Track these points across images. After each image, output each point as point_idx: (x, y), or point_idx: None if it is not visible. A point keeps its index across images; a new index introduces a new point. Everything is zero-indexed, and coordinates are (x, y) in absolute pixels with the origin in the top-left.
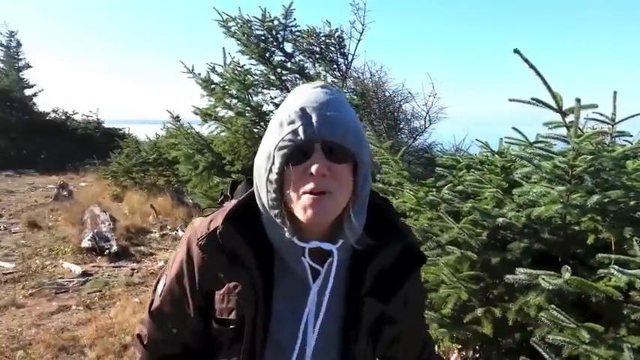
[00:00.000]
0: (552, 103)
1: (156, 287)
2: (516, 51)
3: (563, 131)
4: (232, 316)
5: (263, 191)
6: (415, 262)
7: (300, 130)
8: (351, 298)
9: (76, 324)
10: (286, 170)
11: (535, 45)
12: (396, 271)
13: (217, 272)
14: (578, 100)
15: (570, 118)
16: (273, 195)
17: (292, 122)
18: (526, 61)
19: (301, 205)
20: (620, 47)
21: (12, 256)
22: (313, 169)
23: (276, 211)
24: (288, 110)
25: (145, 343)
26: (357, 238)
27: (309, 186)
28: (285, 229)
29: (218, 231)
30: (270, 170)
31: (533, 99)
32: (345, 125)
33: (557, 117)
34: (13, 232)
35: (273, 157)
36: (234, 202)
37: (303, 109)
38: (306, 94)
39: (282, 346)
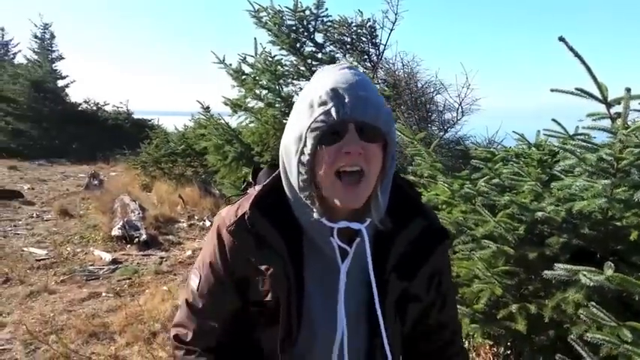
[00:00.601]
0: (597, 93)
1: (189, 284)
2: (561, 39)
3: (606, 123)
4: (269, 297)
5: (294, 173)
6: (437, 239)
7: (333, 111)
8: (376, 277)
9: (106, 311)
10: (319, 151)
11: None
12: (419, 248)
13: (249, 256)
14: (628, 90)
15: (615, 109)
16: (305, 177)
17: (324, 103)
18: (571, 49)
19: (337, 191)
20: None
21: (44, 243)
22: (349, 148)
23: (307, 193)
24: (319, 91)
25: (187, 340)
26: (380, 217)
27: (344, 165)
28: (315, 209)
29: (246, 216)
30: (302, 152)
31: (577, 89)
32: (376, 105)
33: (601, 108)
34: (46, 220)
35: (305, 138)
36: (258, 187)
37: (334, 90)
38: (333, 75)
39: (315, 326)
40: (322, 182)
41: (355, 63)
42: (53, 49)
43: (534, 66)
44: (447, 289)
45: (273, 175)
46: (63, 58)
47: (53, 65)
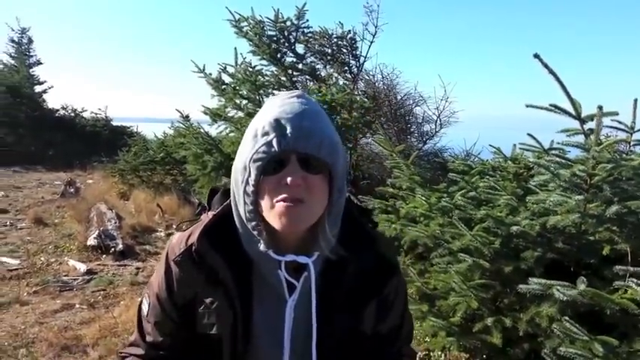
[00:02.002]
0: (570, 109)
1: (140, 307)
2: (536, 56)
3: (580, 139)
4: (214, 330)
5: (240, 203)
6: (389, 272)
7: (275, 142)
8: (322, 312)
9: (80, 323)
10: (262, 181)
11: (552, 47)
12: (370, 281)
13: (195, 288)
14: (600, 108)
15: (589, 125)
16: (250, 207)
17: (266, 134)
18: (546, 66)
19: (276, 213)
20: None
21: (17, 253)
22: (288, 179)
23: (253, 223)
24: (262, 121)
25: (137, 354)
26: (330, 248)
27: (284, 195)
28: (262, 240)
29: (194, 248)
30: (247, 182)
31: (551, 105)
32: (319, 136)
33: (574, 124)
34: (20, 228)
35: (249, 168)
36: (211, 214)
37: (277, 120)
38: (280, 105)
39: None
40: (263, 212)
41: (336, 74)
42: (31, 54)
43: (516, 73)
44: (397, 324)
45: (226, 202)
46: (41, 63)
47: (31, 70)
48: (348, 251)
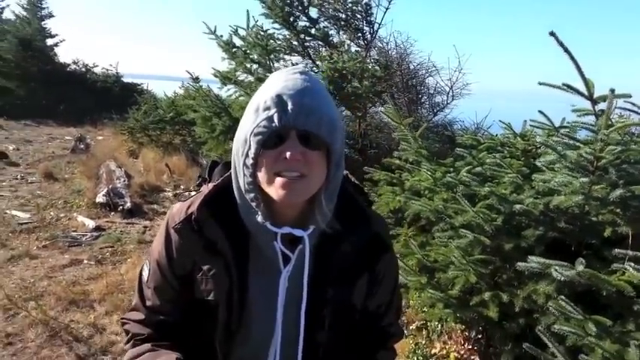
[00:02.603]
0: (583, 89)
1: (141, 274)
2: (552, 34)
3: (591, 119)
4: (211, 297)
5: (240, 175)
6: (381, 248)
7: (275, 117)
8: (315, 285)
9: (87, 278)
10: (262, 154)
11: (571, 19)
12: (363, 256)
13: (193, 256)
14: (612, 91)
15: (601, 106)
16: (250, 179)
17: (268, 109)
18: (561, 44)
19: (275, 186)
20: None
21: (27, 207)
22: (287, 154)
23: (252, 195)
24: (265, 96)
25: (137, 327)
26: (327, 222)
27: (282, 168)
28: (259, 212)
29: (193, 216)
30: (247, 155)
31: (564, 84)
32: (319, 114)
33: (587, 104)
34: (30, 182)
35: (250, 142)
36: (211, 185)
37: (279, 96)
38: (283, 80)
39: (254, 329)
40: (262, 183)
41: (348, 41)
42: (43, 5)
43: (533, 44)
44: (386, 299)
45: (226, 174)
46: (53, 15)
47: (42, 23)
48: (343, 226)
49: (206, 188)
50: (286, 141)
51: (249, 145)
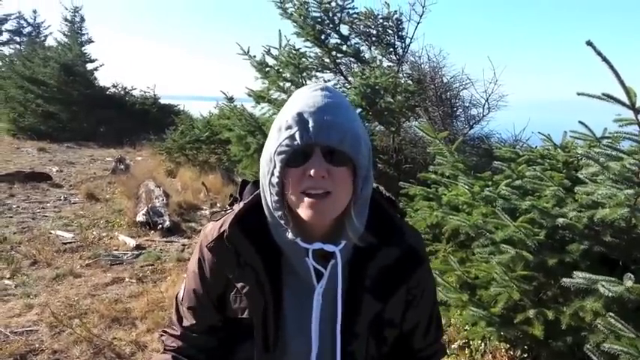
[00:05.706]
0: (624, 98)
1: (178, 292)
2: (589, 43)
3: (634, 129)
4: (245, 314)
5: (267, 193)
6: (416, 262)
7: (297, 135)
8: (350, 299)
9: (129, 296)
10: (287, 173)
11: (606, 29)
12: (397, 270)
13: (227, 273)
14: None
15: None
16: (276, 197)
17: (289, 127)
18: (599, 54)
19: (303, 207)
20: None
21: (71, 226)
22: (312, 171)
23: (280, 213)
24: (286, 115)
25: (172, 342)
26: (359, 236)
27: (308, 186)
28: (289, 229)
29: (225, 234)
30: (272, 174)
31: (604, 94)
32: (341, 129)
33: (629, 114)
34: (73, 203)
35: (274, 161)
36: (242, 204)
37: (300, 114)
38: (304, 98)
39: (290, 346)
40: (290, 202)
41: (380, 56)
42: (83, 32)
43: (570, 54)
44: (425, 315)
45: (255, 192)
46: (92, 41)
47: (82, 48)
48: (377, 240)
49: (237, 207)
50: (311, 158)
51: (274, 164)
